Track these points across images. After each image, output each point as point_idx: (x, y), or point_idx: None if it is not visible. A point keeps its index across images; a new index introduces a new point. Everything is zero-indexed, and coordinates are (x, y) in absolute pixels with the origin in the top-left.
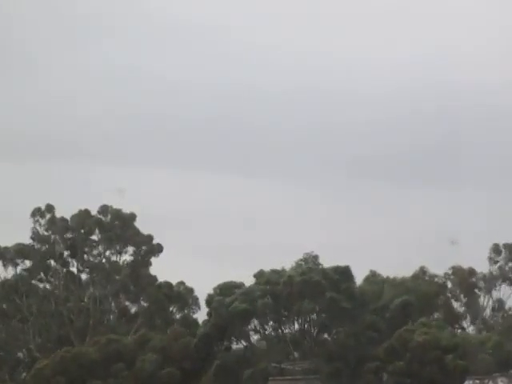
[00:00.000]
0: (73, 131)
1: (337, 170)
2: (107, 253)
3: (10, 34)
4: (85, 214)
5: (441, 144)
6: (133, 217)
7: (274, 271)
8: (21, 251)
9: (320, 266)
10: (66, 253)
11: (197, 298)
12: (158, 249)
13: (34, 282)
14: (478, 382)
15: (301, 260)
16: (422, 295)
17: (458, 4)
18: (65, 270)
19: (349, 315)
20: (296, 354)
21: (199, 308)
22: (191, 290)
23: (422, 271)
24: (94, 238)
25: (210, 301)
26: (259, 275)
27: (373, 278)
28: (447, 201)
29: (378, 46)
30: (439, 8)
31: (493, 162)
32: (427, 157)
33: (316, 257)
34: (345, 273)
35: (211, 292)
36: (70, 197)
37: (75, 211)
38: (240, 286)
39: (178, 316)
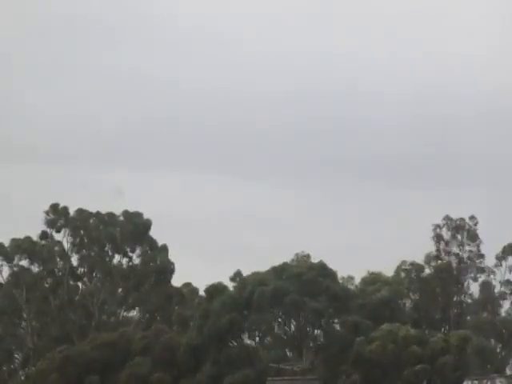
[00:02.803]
0: (73, 132)
1: (337, 171)
2: (115, 256)
3: (9, 35)
4: (90, 213)
5: (441, 145)
6: (149, 223)
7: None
8: (21, 247)
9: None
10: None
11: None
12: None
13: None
14: (476, 382)
15: (292, 260)
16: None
17: (457, 7)
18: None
19: (320, 313)
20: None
21: None
22: (196, 291)
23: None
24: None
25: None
26: (236, 277)
27: (371, 277)
28: (447, 201)
29: (379, 49)
30: (438, 10)
31: (492, 162)
32: (427, 157)
33: (307, 256)
34: (321, 269)
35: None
36: (70, 197)
37: (76, 211)
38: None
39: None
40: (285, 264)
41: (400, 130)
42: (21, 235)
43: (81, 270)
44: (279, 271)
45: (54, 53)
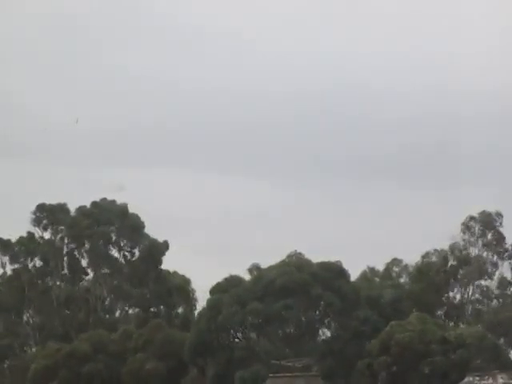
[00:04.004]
0: (73, 132)
1: (337, 171)
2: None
3: (9, 35)
4: (89, 209)
5: (441, 144)
6: (125, 206)
7: (269, 268)
8: (24, 244)
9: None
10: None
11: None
12: (165, 246)
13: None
14: (477, 378)
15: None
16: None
17: (457, 7)
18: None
19: (338, 311)
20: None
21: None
22: (189, 282)
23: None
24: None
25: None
26: (253, 270)
27: (370, 273)
28: (447, 201)
29: (378, 49)
30: (438, 10)
31: (492, 162)
32: (427, 157)
33: (300, 254)
34: (335, 269)
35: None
36: (70, 195)
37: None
38: (239, 282)
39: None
40: (299, 259)
41: (400, 130)
42: (20, 234)
43: (80, 266)
44: (296, 265)
45: (54, 53)
